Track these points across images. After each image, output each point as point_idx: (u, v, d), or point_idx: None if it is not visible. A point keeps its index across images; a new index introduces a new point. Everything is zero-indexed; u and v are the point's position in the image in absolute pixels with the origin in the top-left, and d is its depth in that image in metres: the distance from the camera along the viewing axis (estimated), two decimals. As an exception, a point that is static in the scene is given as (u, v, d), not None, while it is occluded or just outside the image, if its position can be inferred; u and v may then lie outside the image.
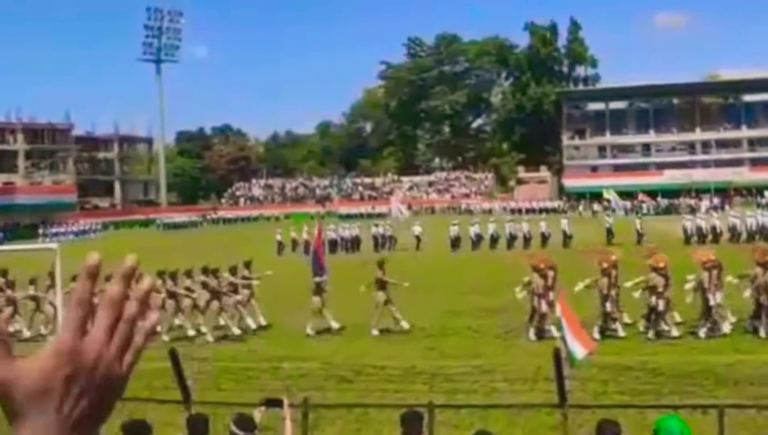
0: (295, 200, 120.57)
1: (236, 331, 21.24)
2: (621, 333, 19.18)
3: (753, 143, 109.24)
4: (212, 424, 7.17)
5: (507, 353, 17.97)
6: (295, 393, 11.48)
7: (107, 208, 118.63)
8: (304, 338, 20.82)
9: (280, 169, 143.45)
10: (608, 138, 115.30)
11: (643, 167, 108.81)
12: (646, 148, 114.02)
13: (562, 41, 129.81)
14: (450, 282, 31.13)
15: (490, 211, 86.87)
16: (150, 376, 15.64)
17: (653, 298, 18.90)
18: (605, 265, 19.62)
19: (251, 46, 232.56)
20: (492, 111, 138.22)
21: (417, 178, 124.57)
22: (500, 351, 18.30)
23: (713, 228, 46.37)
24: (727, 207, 74.70)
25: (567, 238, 46.90)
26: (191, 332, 21.29)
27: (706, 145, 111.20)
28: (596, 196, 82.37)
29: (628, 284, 19.90)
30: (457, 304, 25.53)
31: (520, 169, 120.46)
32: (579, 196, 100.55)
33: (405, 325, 20.88)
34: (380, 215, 76.23)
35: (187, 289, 22.02)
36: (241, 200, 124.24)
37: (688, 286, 19.66)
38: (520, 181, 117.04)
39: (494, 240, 48.25)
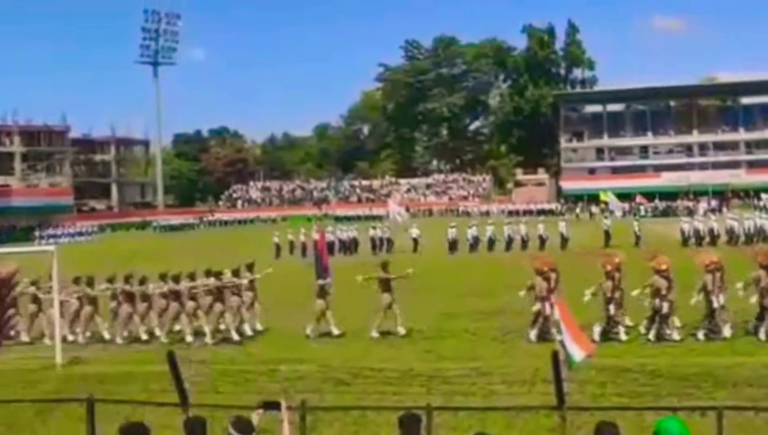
0: (292, 202, 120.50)
1: (235, 336, 21.08)
2: (623, 337, 19.00)
3: (750, 146, 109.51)
4: (210, 426, 6.99)
5: (505, 355, 17.82)
6: (292, 395, 11.25)
7: (104, 211, 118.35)
8: (301, 341, 20.66)
9: (278, 171, 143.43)
10: (606, 140, 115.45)
11: (640, 169, 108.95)
12: (644, 150, 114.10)
13: (559, 44, 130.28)
14: (447, 284, 31.02)
15: (487, 214, 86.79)
16: (147, 378, 15.79)
17: (657, 301, 18.75)
18: (609, 267, 19.44)
19: (249, 48, 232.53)
20: (490, 113, 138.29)
21: (415, 181, 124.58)
22: (498, 353, 18.15)
23: (711, 230, 46.33)
24: (724, 209, 74.83)
25: (564, 240, 46.77)
26: (189, 338, 21.05)
27: (703, 148, 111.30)
28: (594, 198, 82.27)
29: (635, 293, 19.76)
30: (454, 306, 25.38)
31: (518, 171, 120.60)
32: (577, 198, 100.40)
33: (402, 330, 20.72)
34: (376, 217, 76.19)
35: (190, 291, 21.72)
36: (239, 202, 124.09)
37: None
38: (517, 184, 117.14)
39: (492, 242, 48.18)
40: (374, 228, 51.89)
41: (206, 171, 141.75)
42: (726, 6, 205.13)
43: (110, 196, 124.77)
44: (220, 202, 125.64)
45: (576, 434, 9.70)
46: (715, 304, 18.63)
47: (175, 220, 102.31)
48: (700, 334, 18.60)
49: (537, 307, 19.39)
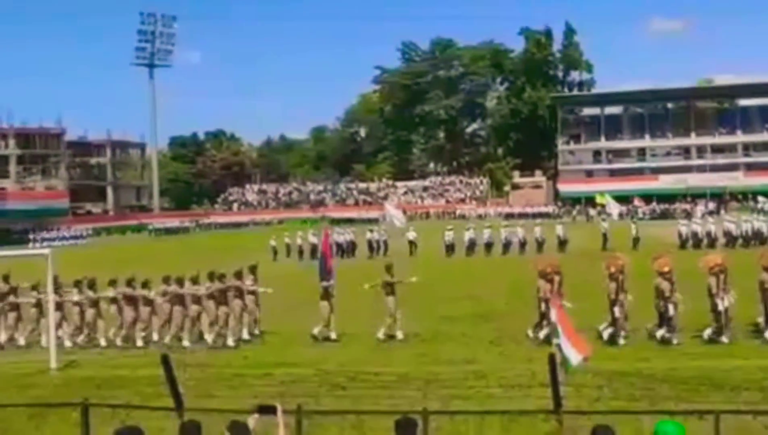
0: (289, 205, 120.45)
1: (230, 342, 20.90)
2: (621, 341, 18.80)
3: (748, 148, 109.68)
4: (205, 431, 6.82)
5: (502, 359, 17.72)
6: (288, 399, 11.13)
7: (100, 214, 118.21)
8: (297, 344, 20.52)
9: (274, 174, 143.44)
10: (603, 143, 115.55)
11: (638, 172, 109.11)
12: (641, 153, 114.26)
13: (557, 46, 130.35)
14: (444, 287, 30.84)
15: (484, 216, 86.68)
16: (142, 382, 15.62)
17: (662, 303, 18.63)
18: (613, 269, 19.23)
19: (245, 51, 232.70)
20: (487, 116, 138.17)
21: (412, 183, 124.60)
22: (495, 357, 18.03)
23: (708, 233, 46.32)
24: (722, 212, 74.73)
25: (562, 243, 46.70)
26: (186, 343, 20.84)
27: (701, 150, 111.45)
28: (592, 201, 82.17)
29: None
30: (451, 309, 25.20)
31: (516, 174, 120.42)
32: (574, 201, 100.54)
33: (400, 335, 20.56)
34: (371, 221, 76.10)
35: (193, 294, 21.58)
36: (235, 205, 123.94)
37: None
38: (515, 186, 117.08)
39: (489, 245, 48.04)
40: (371, 231, 51.82)
41: (202, 174, 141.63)
42: (724, 8, 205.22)
43: (106, 200, 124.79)
44: (217, 205, 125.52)
45: (572, 438, 9.88)
46: (720, 307, 18.45)
47: (170, 224, 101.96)
48: (706, 334, 18.46)
49: (542, 308, 19.19)
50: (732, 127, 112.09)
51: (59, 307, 21.54)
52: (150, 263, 36.97)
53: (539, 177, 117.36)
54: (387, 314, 20.75)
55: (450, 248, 48.11)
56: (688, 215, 68.88)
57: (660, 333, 18.51)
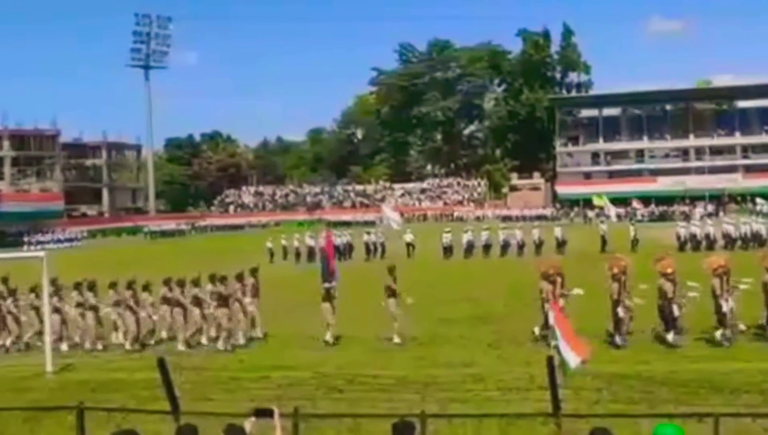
0: (285, 208, 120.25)
1: (226, 346, 20.73)
2: (619, 342, 18.79)
3: (747, 150, 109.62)
4: None
5: (500, 362, 17.72)
6: (285, 403, 11.15)
7: (95, 216, 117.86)
8: (294, 346, 20.53)
9: (271, 176, 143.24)
10: (601, 144, 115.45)
11: (636, 174, 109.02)
12: (640, 154, 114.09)
13: (555, 47, 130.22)
14: (442, 290, 30.80)
15: (482, 218, 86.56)
16: (138, 386, 15.63)
17: (666, 304, 18.62)
18: (616, 270, 19.23)
19: (242, 52, 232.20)
20: (485, 117, 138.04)
21: (409, 185, 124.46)
22: (493, 360, 18.05)
23: (707, 235, 46.36)
24: (721, 214, 74.63)
25: (560, 244, 46.69)
26: (181, 347, 20.72)
27: (699, 152, 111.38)
28: (590, 202, 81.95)
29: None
30: (449, 312, 25.19)
31: (513, 175, 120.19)
32: (572, 203, 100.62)
33: (397, 339, 20.47)
34: (367, 223, 75.96)
35: (195, 297, 21.46)
36: (231, 207, 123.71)
37: (743, 286, 19.79)
38: (513, 188, 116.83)
39: (487, 247, 47.97)
40: (368, 233, 51.90)
41: (198, 176, 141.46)
42: (722, 9, 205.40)
43: (101, 202, 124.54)
44: (213, 208, 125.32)
45: (571, 441, 9.62)
46: (725, 308, 18.42)
47: (166, 226, 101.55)
48: (718, 335, 18.39)
49: (546, 309, 19.03)
50: (731, 129, 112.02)
51: (58, 310, 21.62)
52: (146, 266, 36.77)
53: (537, 179, 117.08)
54: (392, 318, 20.72)
55: (448, 250, 48.20)
56: (687, 217, 68.73)
57: (669, 336, 18.47)
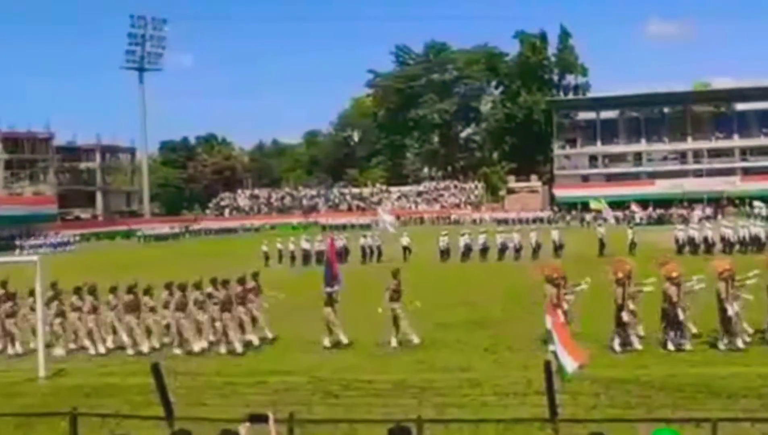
0: (281, 211, 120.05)
1: (223, 349, 20.69)
2: (637, 346, 18.72)
3: (745, 152, 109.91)
4: (196, 440, 6.75)
5: (497, 366, 17.76)
6: (281, 408, 10.98)
7: (89, 220, 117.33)
8: (292, 351, 20.55)
9: (266, 179, 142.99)
10: (599, 147, 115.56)
11: (634, 177, 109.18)
12: (638, 157, 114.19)
13: (552, 50, 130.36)
14: (439, 294, 30.58)
15: (479, 222, 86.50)
16: (132, 391, 15.71)
17: (670, 308, 18.56)
18: (620, 274, 19.17)
19: (237, 54, 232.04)
20: (482, 120, 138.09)
21: (406, 188, 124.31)
22: (490, 364, 18.10)
23: (705, 238, 46.34)
24: (719, 217, 74.53)
25: (558, 248, 46.59)
26: (177, 350, 20.62)
27: (697, 155, 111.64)
28: (587, 206, 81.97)
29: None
30: (446, 316, 25.11)
31: (511, 178, 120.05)
32: (570, 206, 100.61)
33: (394, 342, 20.48)
34: (363, 226, 75.79)
35: (197, 301, 21.40)
36: (227, 211, 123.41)
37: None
38: (510, 191, 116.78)
39: (484, 251, 47.79)
40: (365, 236, 51.79)
41: (193, 179, 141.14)
42: (721, 11, 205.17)
43: (95, 205, 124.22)
44: (208, 211, 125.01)
45: (569, 446, 9.68)
46: (730, 312, 18.34)
47: (160, 230, 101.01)
48: (722, 345, 18.36)
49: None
50: (729, 132, 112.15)
51: (62, 314, 21.69)
52: (141, 270, 36.40)
53: (535, 182, 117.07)
54: (395, 320, 20.71)
55: (445, 254, 48.27)
56: (685, 220, 69.28)
57: (676, 341, 18.41)
